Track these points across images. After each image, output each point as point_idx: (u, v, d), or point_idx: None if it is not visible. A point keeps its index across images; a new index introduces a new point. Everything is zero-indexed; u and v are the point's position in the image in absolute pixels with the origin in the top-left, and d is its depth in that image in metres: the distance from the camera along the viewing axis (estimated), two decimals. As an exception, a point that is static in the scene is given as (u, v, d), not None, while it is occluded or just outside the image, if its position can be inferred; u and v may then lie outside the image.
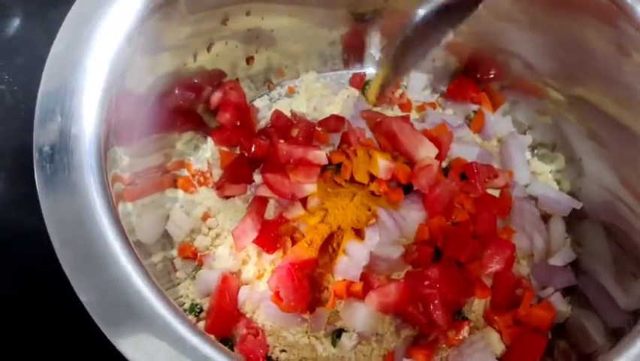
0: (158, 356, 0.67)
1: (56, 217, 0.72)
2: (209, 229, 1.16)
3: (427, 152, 1.11)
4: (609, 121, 1.07)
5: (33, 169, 0.76)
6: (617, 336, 0.89)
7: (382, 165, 1.06)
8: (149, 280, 0.72)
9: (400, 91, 1.34)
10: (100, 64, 0.84)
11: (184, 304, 1.11)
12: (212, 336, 1.02)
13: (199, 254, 1.15)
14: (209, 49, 1.13)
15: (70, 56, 0.82)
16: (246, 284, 1.09)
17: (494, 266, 1.08)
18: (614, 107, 1.06)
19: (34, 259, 0.96)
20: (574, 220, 1.19)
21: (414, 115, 1.31)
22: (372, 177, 1.09)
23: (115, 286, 0.70)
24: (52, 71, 0.81)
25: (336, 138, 1.18)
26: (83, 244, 0.71)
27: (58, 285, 0.70)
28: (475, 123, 1.29)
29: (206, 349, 0.69)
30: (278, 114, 1.23)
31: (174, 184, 1.19)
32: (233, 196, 1.18)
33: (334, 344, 1.04)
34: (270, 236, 1.07)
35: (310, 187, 1.08)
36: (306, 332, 1.06)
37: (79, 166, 0.75)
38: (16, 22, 1.38)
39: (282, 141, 1.13)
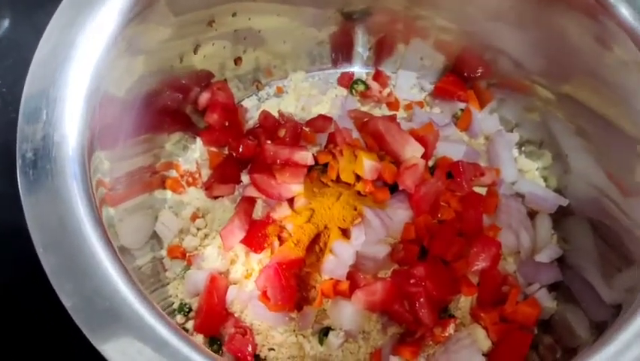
0: (141, 358, 0.68)
1: (39, 223, 0.72)
2: (198, 229, 1.17)
3: (413, 151, 1.11)
4: (596, 118, 1.08)
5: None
6: (600, 330, 0.90)
7: (367, 165, 1.07)
8: (132, 284, 0.73)
9: (387, 90, 1.34)
10: (83, 68, 0.84)
11: (173, 303, 1.12)
12: (198, 338, 1.05)
13: (188, 254, 1.15)
14: (195, 50, 1.14)
15: (53, 60, 0.82)
16: (234, 284, 1.10)
17: (480, 264, 1.08)
18: (600, 103, 1.07)
19: (18, 258, 0.96)
20: (560, 217, 1.20)
21: (401, 114, 1.32)
22: (359, 177, 1.10)
23: (98, 291, 0.70)
24: (35, 76, 0.81)
25: (323, 138, 1.18)
26: (66, 249, 0.72)
27: (42, 287, 0.71)
28: (462, 121, 1.30)
29: (188, 352, 0.70)
30: (265, 115, 1.24)
31: (163, 185, 1.20)
32: (222, 196, 1.19)
33: (321, 342, 1.05)
34: (258, 236, 1.08)
35: (297, 187, 1.08)
36: (294, 331, 1.07)
37: (62, 173, 0.75)
38: (4, 24, 1.38)
39: (268, 141, 1.13)
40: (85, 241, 0.73)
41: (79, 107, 0.81)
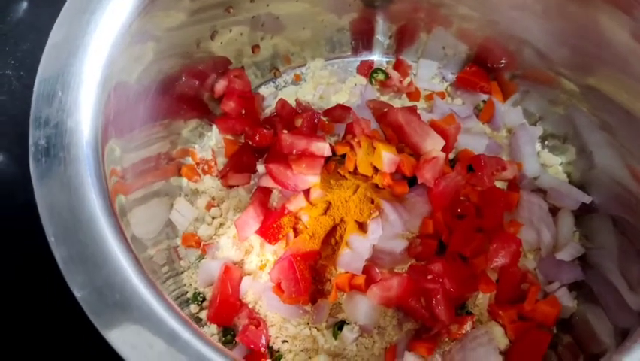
0: (152, 352, 0.67)
1: (51, 212, 0.71)
2: (213, 218, 1.16)
3: (433, 144, 1.09)
4: (622, 112, 1.05)
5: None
6: (622, 333, 0.87)
7: (386, 158, 1.05)
8: (144, 275, 0.72)
9: (408, 79, 1.31)
10: (98, 54, 0.82)
11: (187, 292, 1.11)
12: (211, 328, 1.05)
13: (202, 243, 1.15)
14: (212, 37, 1.12)
15: (67, 46, 0.81)
16: (249, 274, 1.09)
17: (500, 261, 1.06)
18: (627, 97, 1.03)
19: (29, 245, 0.96)
20: (582, 213, 1.17)
21: (422, 104, 1.29)
22: (376, 169, 1.07)
23: (109, 282, 0.69)
24: (48, 62, 0.80)
25: (341, 128, 1.16)
26: (77, 239, 0.70)
27: (53, 276, 0.70)
28: (485, 113, 1.27)
29: (199, 345, 0.69)
30: (283, 103, 1.22)
31: (178, 173, 1.18)
32: (237, 186, 1.17)
33: (335, 336, 1.04)
34: (273, 227, 1.06)
35: (313, 179, 1.06)
36: (308, 324, 1.06)
37: (75, 161, 0.74)
38: (22, 7, 1.37)
39: (285, 131, 1.11)
40: (97, 230, 0.71)
41: (93, 93, 0.80)
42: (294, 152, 1.07)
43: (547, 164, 1.24)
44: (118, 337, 0.67)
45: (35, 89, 0.78)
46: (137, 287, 0.70)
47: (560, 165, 1.24)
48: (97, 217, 0.72)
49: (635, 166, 1.04)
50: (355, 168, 1.08)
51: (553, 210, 1.17)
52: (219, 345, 0.71)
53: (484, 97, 1.29)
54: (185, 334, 0.69)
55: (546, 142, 1.27)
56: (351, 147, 1.08)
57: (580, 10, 1.03)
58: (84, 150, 0.75)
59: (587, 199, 1.14)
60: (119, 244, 0.72)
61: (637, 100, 1.01)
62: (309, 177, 1.06)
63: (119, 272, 0.70)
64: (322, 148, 1.06)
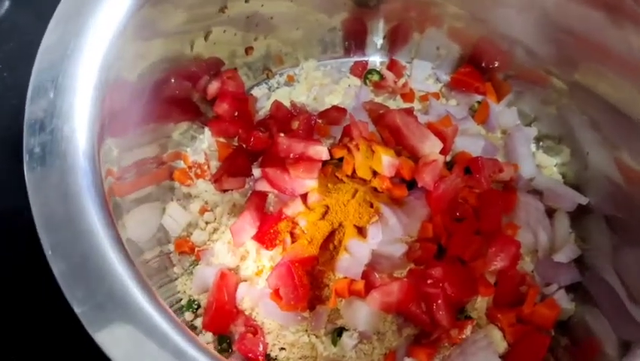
0: (145, 358, 0.65)
1: (48, 224, 0.68)
2: (207, 223, 1.14)
3: (432, 147, 1.08)
4: (606, 106, 1.06)
5: (21, 158, 0.73)
6: (626, 346, 0.87)
7: (386, 161, 1.03)
8: (143, 285, 0.69)
9: (402, 80, 1.30)
10: (93, 57, 0.80)
11: (181, 300, 1.09)
12: (207, 336, 1.03)
13: (196, 249, 1.12)
14: (206, 37, 1.10)
15: (61, 49, 0.78)
16: (245, 281, 1.07)
17: (498, 264, 1.05)
18: (608, 89, 1.05)
19: (22, 249, 0.93)
20: (578, 215, 1.16)
21: (417, 106, 1.28)
22: (375, 173, 1.06)
23: (110, 297, 0.67)
24: (42, 65, 0.77)
25: (337, 131, 1.14)
26: (76, 252, 0.68)
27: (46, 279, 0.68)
28: (480, 114, 1.26)
29: (195, 353, 0.67)
30: (277, 105, 1.19)
31: (170, 177, 1.16)
32: (232, 190, 1.15)
33: (335, 343, 1.02)
34: (269, 232, 1.04)
35: (311, 183, 1.04)
36: (306, 331, 1.04)
37: (72, 169, 0.71)
38: (4, 6, 1.33)
39: (282, 134, 1.09)
40: (95, 243, 0.69)
41: (88, 97, 0.77)
42: (291, 155, 1.05)
43: (542, 165, 1.24)
44: (110, 341, 0.65)
45: (29, 93, 0.75)
46: (137, 300, 0.68)
47: (555, 165, 1.24)
48: (95, 229, 0.69)
49: (622, 159, 1.05)
50: (353, 172, 1.06)
51: (549, 212, 1.17)
52: (216, 353, 0.69)
53: (479, 98, 1.28)
54: (190, 350, 0.67)
55: (541, 143, 1.27)
56: (349, 150, 1.06)
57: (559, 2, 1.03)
58: (80, 158, 0.72)
59: (583, 200, 1.14)
60: (118, 256, 0.69)
61: (617, 92, 1.02)
62: (307, 181, 1.04)
63: (119, 287, 0.67)
64: (320, 152, 1.04)
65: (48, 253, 0.67)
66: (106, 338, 0.65)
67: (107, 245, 0.69)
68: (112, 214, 0.72)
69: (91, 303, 0.65)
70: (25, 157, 0.71)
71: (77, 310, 0.64)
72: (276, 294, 1.01)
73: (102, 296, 0.66)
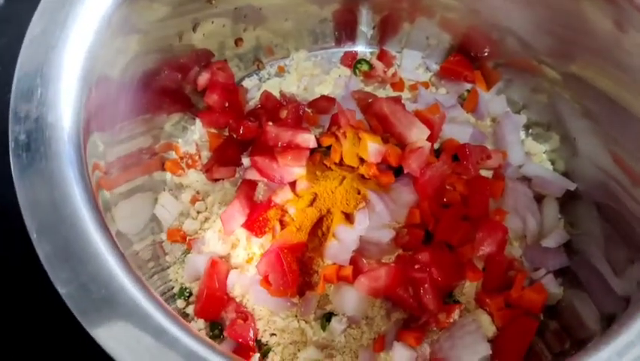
0: (139, 347, 0.66)
1: (33, 208, 0.70)
2: (198, 212, 1.15)
3: (418, 134, 1.09)
4: (605, 99, 1.05)
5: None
6: (609, 320, 0.88)
7: (372, 148, 1.04)
8: (129, 270, 0.71)
9: (392, 70, 1.31)
10: (78, 47, 0.81)
11: (173, 288, 1.10)
12: (199, 323, 1.04)
13: (188, 238, 1.14)
14: (195, 29, 1.11)
15: (46, 39, 0.80)
16: (236, 268, 1.08)
17: (486, 249, 1.06)
18: (609, 85, 1.04)
19: (14, 244, 0.94)
20: (567, 200, 1.17)
21: (406, 95, 1.29)
22: (362, 160, 1.07)
23: (94, 278, 0.68)
24: (28, 56, 0.79)
25: (326, 120, 1.15)
26: (60, 235, 0.69)
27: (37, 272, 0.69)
28: (469, 102, 1.27)
29: (187, 340, 0.68)
30: (267, 95, 1.21)
31: (162, 167, 1.17)
32: (222, 179, 1.17)
33: (324, 327, 1.03)
34: (259, 220, 1.05)
35: (299, 170, 1.06)
36: (296, 316, 1.05)
37: (56, 156, 0.73)
38: (-1, 2, 1.35)
39: (270, 123, 1.10)
40: (80, 226, 0.70)
41: (73, 87, 0.79)
42: (280, 144, 1.06)
43: (531, 152, 1.25)
44: (104, 333, 0.67)
45: (15, 83, 0.77)
46: (123, 283, 0.69)
47: (544, 153, 1.25)
48: (80, 212, 0.71)
49: (617, 152, 1.05)
50: (341, 159, 1.07)
51: (538, 198, 1.18)
52: (207, 339, 0.71)
53: (468, 86, 1.29)
54: (173, 329, 0.69)
55: (530, 130, 1.27)
56: (337, 138, 1.08)
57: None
58: (65, 145, 0.74)
59: (571, 186, 1.15)
60: (103, 239, 0.71)
61: (619, 87, 1.02)
62: (295, 169, 1.06)
63: (103, 267, 0.69)
64: (308, 140, 1.05)
65: (33, 236, 0.69)
66: (90, 318, 0.67)
67: (91, 228, 0.70)
68: (96, 197, 0.74)
69: (75, 284, 0.67)
70: (11, 144, 0.73)
71: (61, 290, 0.66)
72: (265, 280, 1.02)
73: (86, 277, 0.68)
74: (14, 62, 0.80)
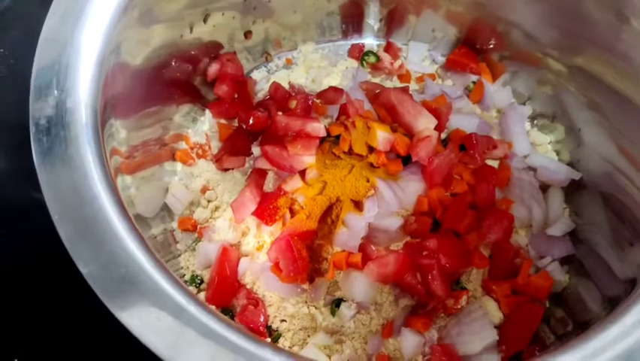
0: (159, 325, 0.68)
1: (54, 190, 0.72)
2: (209, 201, 1.17)
3: (426, 123, 1.10)
4: (609, 91, 1.07)
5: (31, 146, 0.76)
6: (613, 304, 0.89)
7: (381, 136, 1.06)
8: (148, 251, 0.72)
9: (398, 62, 1.33)
10: (94, 37, 0.83)
11: (184, 275, 1.12)
12: (212, 306, 1.05)
13: (199, 226, 1.15)
14: (205, 20, 1.12)
15: (64, 29, 0.81)
16: (246, 256, 1.10)
17: (492, 236, 1.08)
18: (614, 76, 1.05)
19: (36, 235, 0.96)
20: (572, 190, 1.19)
21: (413, 86, 1.31)
22: (371, 149, 1.09)
23: (115, 258, 0.70)
24: (46, 45, 0.80)
25: (334, 110, 1.17)
26: (81, 216, 0.71)
27: (60, 260, 0.71)
28: (475, 94, 1.29)
29: (206, 318, 0.70)
30: (276, 86, 1.22)
31: (172, 157, 1.19)
32: (232, 169, 1.18)
33: (333, 313, 1.05)
34: (269, 208, 1.07)
35: (309, 159, 1.08)
36: (306, 302, 1.07)
37: (75, 139, 0.74)
38: (9, -5, 1.37)
39: (280, 113, 1.12)
40: (100, 208, 0.72)
41: (91, 73, 0.80)
42: (290, 133, 1.08)
43: (536, 143, 1.26)
44: (125, 311, 0.68)
45: (34, 70, 0.78)
46: (142, 262, 0.71)
47: (549, 143, 1.26)
48: (100, 194, 0.72)
49: (623, 144, 1.06)
50: (350, 148, 1.09)
51: (544, 188, 1.20)
52: (224, 317, 0.72)
53: (474, 78, 1.31)
54: (191, 307, 0.70)
55: (535, 121, 1.29)
56: (346, 128, 1.09)
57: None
58: (84, 129, 0.76)
59: (576, 176, 1.17)
60: (122, 220, 0.73)
61: (623, 79, 1.03)
62: (305, 158, 1.07)
63: (123, 248, 0.71)
64: (317, 129, 1.07)
65: (55, 217, 0.70)
66: (111, 297, 0.68)
67: (110, 210, 0.72)
68: (114, 180, 0.75)
69: (95, 264, 0.68)
70: (32, 129, 0.75)
71: (83, 270, 0.68)
72: (276, 267, 1.04)
73: (106, 257, 0.69)
74: (26, 54, 0.82)
